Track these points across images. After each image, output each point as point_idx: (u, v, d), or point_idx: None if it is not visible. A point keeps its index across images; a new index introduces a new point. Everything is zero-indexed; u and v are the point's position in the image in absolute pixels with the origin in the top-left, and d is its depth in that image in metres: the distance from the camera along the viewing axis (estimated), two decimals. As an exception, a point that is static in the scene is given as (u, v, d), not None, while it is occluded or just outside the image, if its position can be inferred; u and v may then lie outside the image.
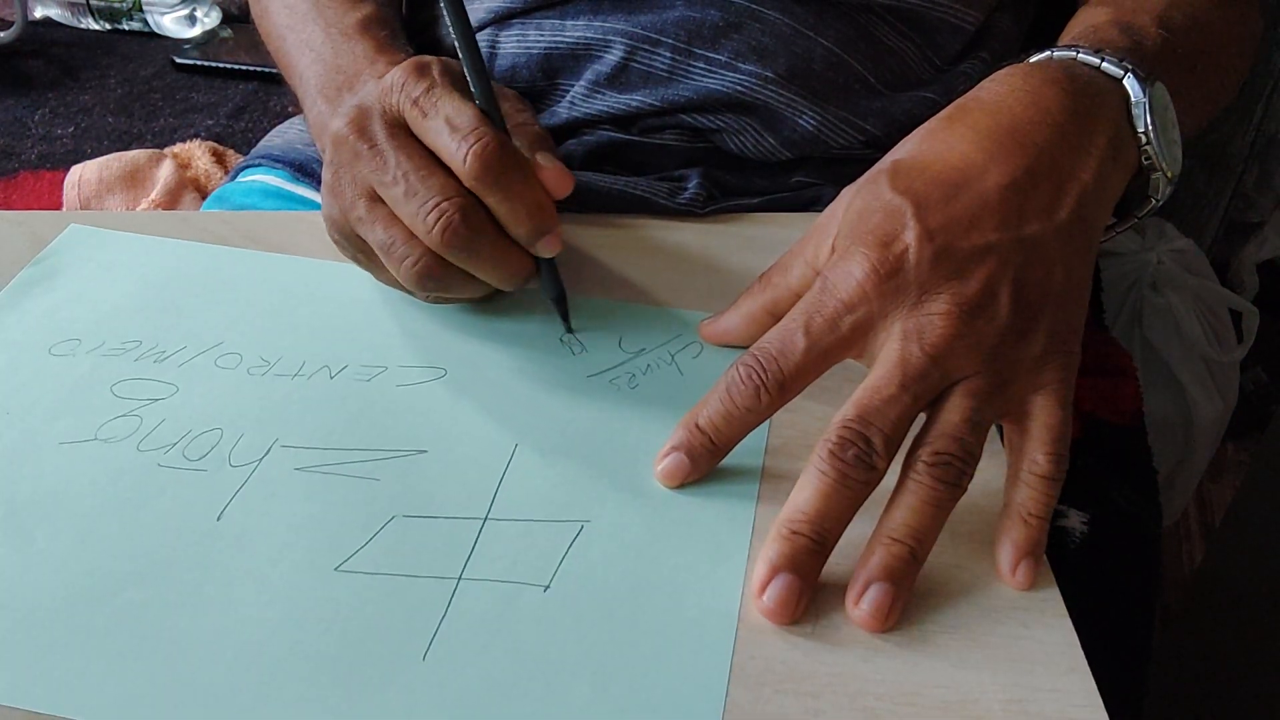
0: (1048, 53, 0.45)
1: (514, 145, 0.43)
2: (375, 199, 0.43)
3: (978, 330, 0.37)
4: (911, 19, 0.57)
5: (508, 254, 0.44)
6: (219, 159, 0.97)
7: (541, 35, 0.57)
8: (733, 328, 0.46)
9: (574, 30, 0.56)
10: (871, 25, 0.56)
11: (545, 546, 0.38)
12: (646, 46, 0.55)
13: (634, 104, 0.55)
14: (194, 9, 1.16)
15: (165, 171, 0.93)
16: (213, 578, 0.37)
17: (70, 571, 0.37)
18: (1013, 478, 0.38)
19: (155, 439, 0.42)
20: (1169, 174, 0.44)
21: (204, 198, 0.92)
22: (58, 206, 0.91)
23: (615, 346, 0.47)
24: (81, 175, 0.92)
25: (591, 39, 0.56)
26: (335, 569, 0.37)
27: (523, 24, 0.57)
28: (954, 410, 0.37)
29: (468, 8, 0.59)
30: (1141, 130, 0.43)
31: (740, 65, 0.54)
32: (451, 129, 0.42)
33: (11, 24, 1.11)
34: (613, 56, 0.55)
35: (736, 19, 0.55)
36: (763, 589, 0.36)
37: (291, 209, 0.60)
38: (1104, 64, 0.43)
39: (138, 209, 0.90)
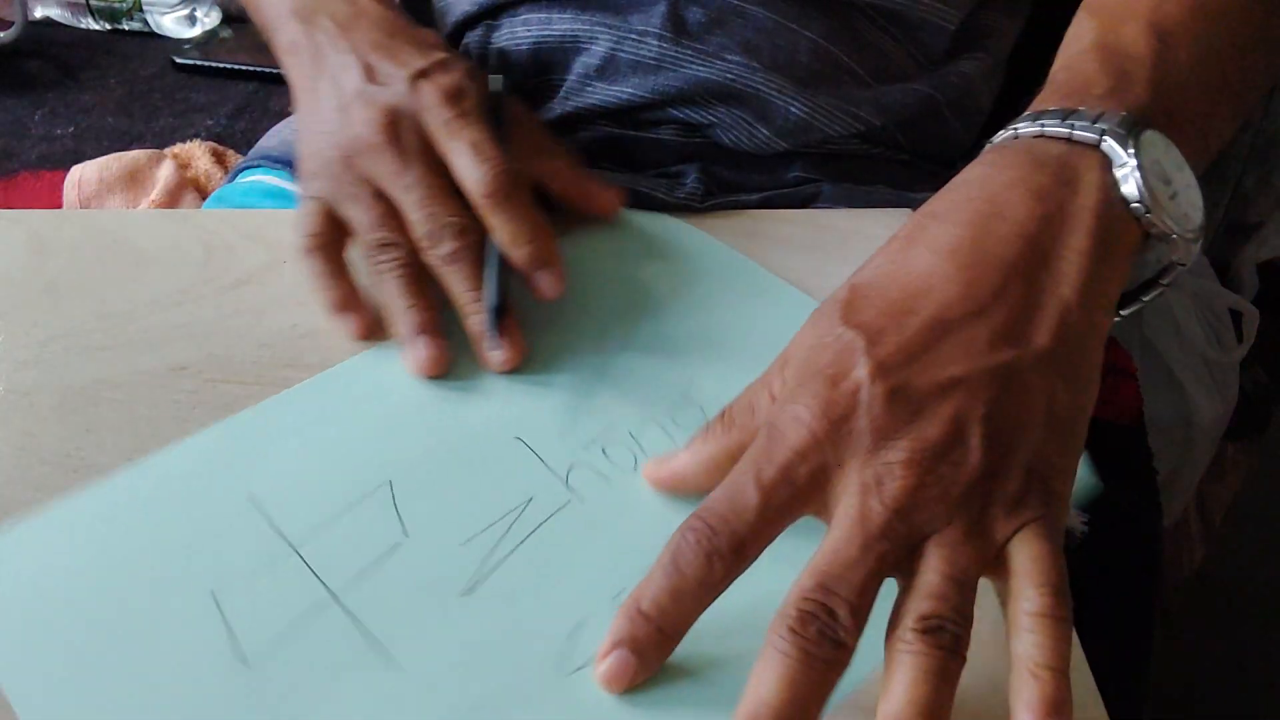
0: (1012, 130, 0.40)
1: (524, 180, 0.47)
2: (379, 194, 0.46)
3: (943, 478, 0.32)
4: (892, 16, 0.57)
5: (477, 287, 0.45)
6: (219, 159, 0.97)
7: (529, 30, 0.57)
8: (690, 474, 0.39)
9: (560, 23, 0.57)
10: (854, 20, 0.56)
11: None
12: (633, 36, 0.55)
13: (624, 95, 0.56)
14: (194, 9, 1.16)
15: (165, 172, 0.93)
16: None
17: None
18: (1012, 628, 0.32)
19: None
20: (1182, 230, 0.38)
21: (204, 198, 0.92)
22: (58, 206, 0.91)
23: None
24: (81, 175, 0.92)
25: (578, 30, 0.56)
26: None
27: (510, 19, 0.58)
28: (931, 569, 0.32)
29: (455, 3, 0.60)
30: (1136, 201, 0.37)
31: (727, 56, 0.55)
32: (475, 151, 0.45)
33: (11, 24, 1.11)
34: (600, 48, 0.56)
35: (720, 15, 0.55)
36: None
37: (293, 208, 0.60)
38: (1075, 132, 0.38)
39: (138, 209, 0.90)
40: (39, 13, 1.18)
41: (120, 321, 0.48)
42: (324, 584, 0.37)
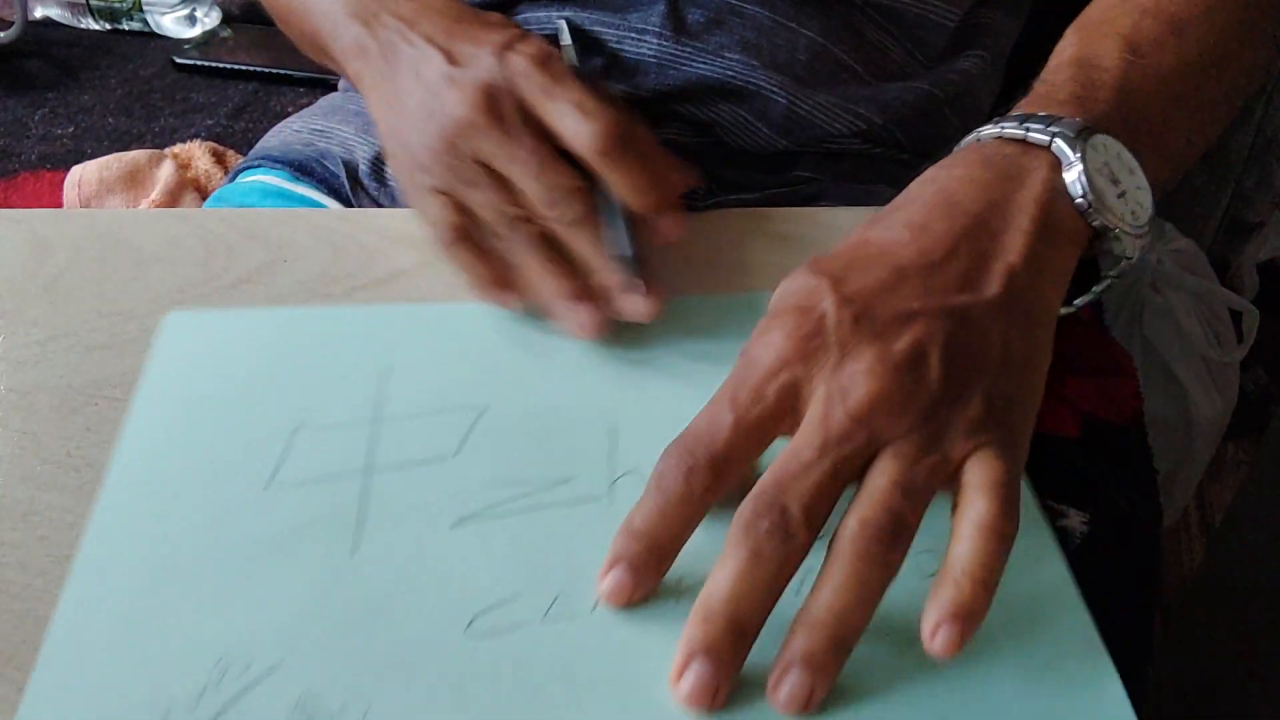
0: (975, 135, 0.43)
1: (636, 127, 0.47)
2: (492, 172, 0.46)
3: (905, 390, 0.34)
4: (891, 14, 0.57)
5: (600, 243, 0.46)
6: (219, 159, 0.97)
7: (528, 30, 0.57)
8: None
9: (560, 23, 0.57)
10: (853, 18, 0.57)
11: None
12: (633, 36, 0.56)
13: (626, 95, 0.56)
14: (194, 9, 1.16)
15: (165, 172, 0.93)
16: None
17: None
18: (952, 536, 0.34)
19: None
20: (1127, 228, 0.40)
21: (204, 198, 0.92)
22: (58, 206, 0.91)
23: None
24: (82, 175, 0.92)
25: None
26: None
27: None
28: (882, 474, 0.34)
29: None
30: (1080, 196, 0.40)
31: (726, 55, 0.55)
32: (580, 110, 0.45)
33: (11, 24, 1.11)
34: (600, 48, 0.56)
35: (718, 15, 0.55)
36: (679, 674, 0.33)
37: (293, 208, 0.60)
38: (1030, 135, 0.41)
39: (138, 209, 0.90)
40: (39, 13, 1.18)
41: (120, 321, 0.48)
42: (365, 458, 0.41)
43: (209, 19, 1.17)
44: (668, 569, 0.36)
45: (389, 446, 0.41)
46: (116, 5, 1.16)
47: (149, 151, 0.95)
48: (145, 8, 1.16)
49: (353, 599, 0.36)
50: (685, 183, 0.48)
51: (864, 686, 0.34)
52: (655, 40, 0.55)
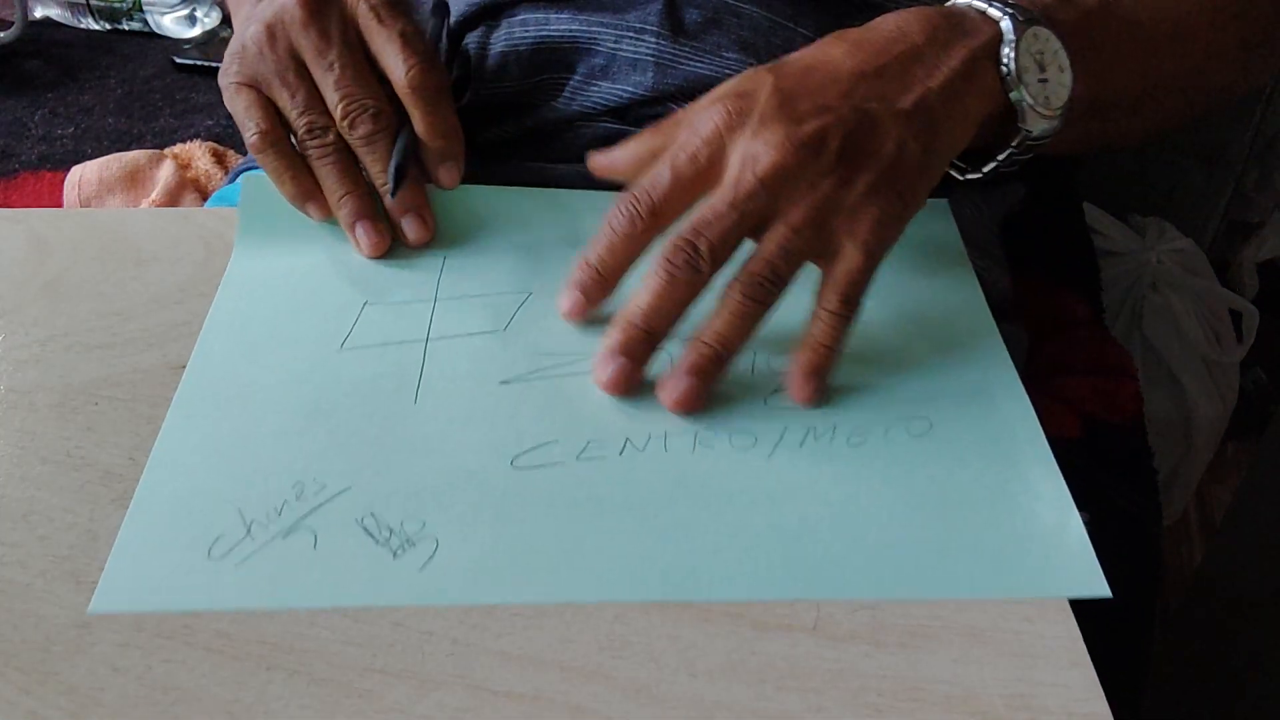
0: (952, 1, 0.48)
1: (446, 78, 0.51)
2: (302, 70, 0.50)
3: (804, 166, 0.42)
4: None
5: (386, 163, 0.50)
6: (219, 159, 0.97)
7: (527, 31, 0.58)
8: (620, 164, 0.49)
9: (558, 24, 0.57)
10: (850, 19, 0.56)
11: None
12: (631, 35, 0.56)
13: (625, 94, 0.56)
14: (194, 9, 1.16)
15: (165, 172, 0.93)
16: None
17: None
18: (812, 315, 0.43)
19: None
20: (1036, 106, 0.46)
21: (204, 198, 0.92)
22: (58, 206, 0.91)
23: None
24: (82, 176, 0.92)
25: (577, 31, 0.57)
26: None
27: (509, 19, 0.58)
28: (771, 240, 0.42)
29: (453, 4, 0.60)
30: (1004, 63, 0.46)
31: (724, 54, 0.55)
32: (404, 43, 0.50)
33: (11, 24, 1.11)
34: (600, 47, 0.56)
35: (715, 15, 0.56)
36: (603, 366, 0.43)
37: (292, 208, 0.60)
38: (989, 9, 0.47)
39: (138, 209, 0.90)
40: (39, 13, 1.18)
41: (120, 320, 0.48)
42: (428, 329, 0.47)
43: (209, 19, 1.17)
44: (611, 292, 0.45)
45: (447, 321, 0.47)
46: (116, 5, 1.16)
47: (149, 151, 0.95)
48: (145, 8, 1.16)
49: (413, 437, 0.42)
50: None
51: (863, 520, 0.39)
52: (653, 40, 0.55)
